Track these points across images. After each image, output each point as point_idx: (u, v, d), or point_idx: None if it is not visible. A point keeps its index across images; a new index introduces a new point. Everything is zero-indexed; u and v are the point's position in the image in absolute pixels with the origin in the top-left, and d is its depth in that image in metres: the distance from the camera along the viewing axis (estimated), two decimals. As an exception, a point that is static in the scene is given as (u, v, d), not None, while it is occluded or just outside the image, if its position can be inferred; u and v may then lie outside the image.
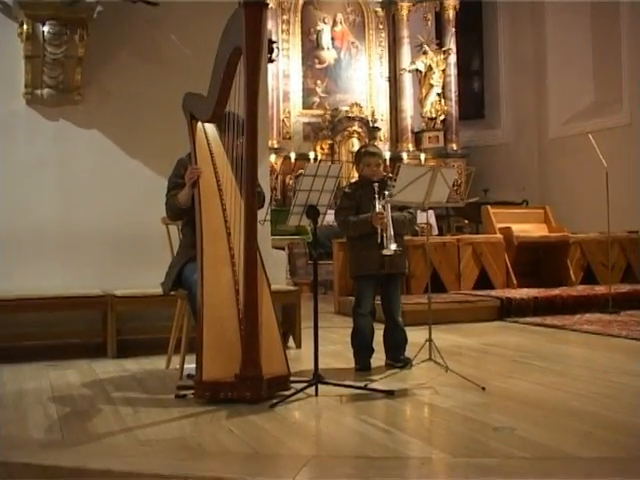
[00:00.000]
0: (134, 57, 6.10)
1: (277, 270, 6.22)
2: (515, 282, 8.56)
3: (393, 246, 4.41)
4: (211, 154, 4.52)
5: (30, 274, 5.69)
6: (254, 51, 3.82)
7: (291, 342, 5.70)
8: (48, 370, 4.93)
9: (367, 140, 14.85)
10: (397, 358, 4.79)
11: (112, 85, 6.07)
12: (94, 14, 5.66)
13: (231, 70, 4.12)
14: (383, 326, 4.89)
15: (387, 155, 14.62)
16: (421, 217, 6.48)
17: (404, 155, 15.32)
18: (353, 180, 5.09)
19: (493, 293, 7.96)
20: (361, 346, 4.81)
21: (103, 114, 6.04)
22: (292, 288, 6.02)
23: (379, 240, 4.51)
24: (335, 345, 5.65)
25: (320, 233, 4.44)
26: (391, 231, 4.46)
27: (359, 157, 4.90)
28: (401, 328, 4.83)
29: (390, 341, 4.86)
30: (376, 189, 4.60)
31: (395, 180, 4.40)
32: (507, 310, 7.48)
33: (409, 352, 4.79)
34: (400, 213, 4.74)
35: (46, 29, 5.60)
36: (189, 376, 4.30)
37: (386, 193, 4.60)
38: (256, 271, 3.90)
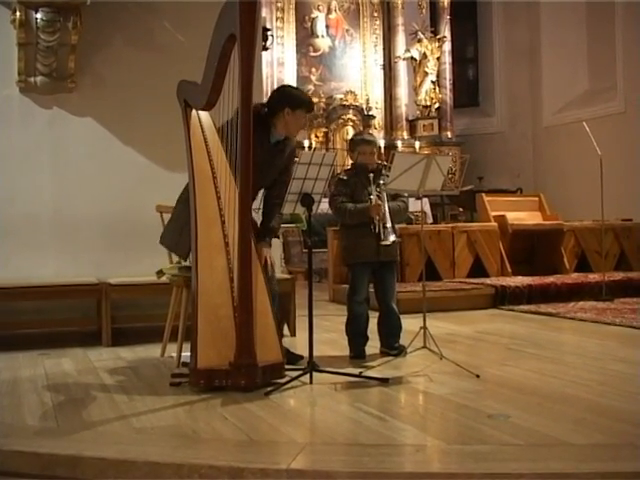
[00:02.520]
0: (128, 44, 6.07)
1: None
2: (509, 270, 8.55)
3: (392, 237, 4.43)
4: (205, 142, 4.52)
5: (24, 262, 5.68)
6: (248, 38, 3.81)
7: (286, 330, 5.64)
8: (43, 358, 4.93)
9: (362, 128, 14.85)
10: (392, 346, 4.80)
11: (106, 72, 6.05)
12: (88, 1, 5.61)
13: (225, 58, 4.10)
14: (377, 314, 4.89)
15: (382, 143, 14.61)
16: (416, 205, 6.47)
17: (399, 143, 15.31)
18: (347, 167, 5.08)
19: (487, 281, 7.95)
20: (356, 334, 4.82)
21: (97, 102, 6.02)
22: (287, 276, 6.02)
23: (375, 230, 4.53)
24: (329, 333, 5.66)
25: (315, 221, 4.53)
26: (389, 222, 4.49)
27: (354, 145, 4.89)
28: (396, 314, 4.84)
29: (385, 328, 4.86)
30: (371, 178, 4.61)
31: (390, 168, 4.39)
32: (501, 298, 7.47)
33: (403, 340, 4.79)
34: (394, 202, 4.75)
35: (39, 16, 5.56)
36: (184, 364, 4.32)
37: (381, 182, 4.61)
38: (250, 258, 3.92)
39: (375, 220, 4.56)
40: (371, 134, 5.31)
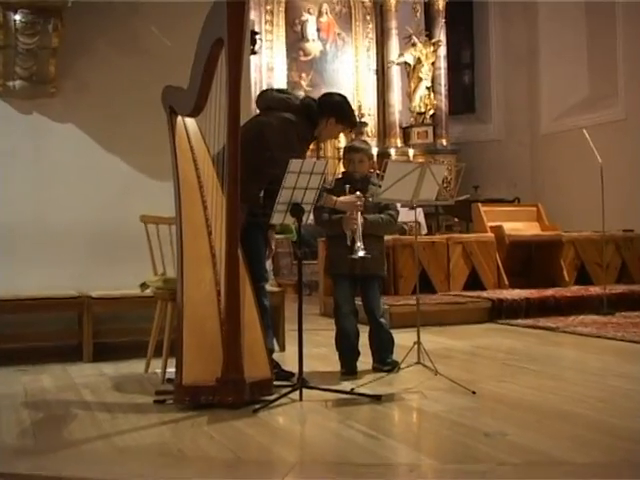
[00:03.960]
0: (112, 48, 6.06)
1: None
2: (507, 282, 8.57)
3: (361, 253, 4.42)
4: (191, 150, 4.56)
5: (2, 273, 5.64)
6: (236, 41, 3.84)
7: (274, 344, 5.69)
8: (21, 374, 4.90)
9: (354, 135, 14.84)
10: (384, 361, 4.80)
11: (89, 77, 6.03)
12: (69, 3, 5.61)
13: (212, 62, 4.12)
14: (368, 328, 4.89)
15: (374, 151, 14.63)
16: (409, 215, 6.50)
17: (392, 151, 15.30)
18: (338, 176, 5.13)
19: (484, 294, 7.97)
20: (346, 349, 4.82)
21: (80, 107, 6.00)
22: (276, 289, 6.02)
23: (349, 243, 4.55)
24: (320, 348, 5.66)
25: (305, 232, 4.45)
26: (359, 236, 4.46)
27: (344, 151, 4.98)
28: (385, 329, 4.85)
29: (376, 343, 4.87)
30: (347, 189, 4.62)
31: (382, 177, 4.40)
32: (498, 311, 7.48)
33: (397, 355, 4.80)
34: (376, 215, 4.77)
35: (18, 18, 5.54)
36: (169, 380, 4.32)
37: (368, 193, 4.63)
38: (238, 270, 3.92)
39: (347, 233, 4.59)
40: (364, 141, 5.35)
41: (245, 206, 4.26)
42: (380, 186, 4.49)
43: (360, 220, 4.52)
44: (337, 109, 4.68)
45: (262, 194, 4.61)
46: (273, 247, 4.75)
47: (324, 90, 15.41)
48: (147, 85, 5.47)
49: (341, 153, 5.06)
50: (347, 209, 4.58)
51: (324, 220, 4.74)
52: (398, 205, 4.90)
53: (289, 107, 4.61)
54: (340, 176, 5.04)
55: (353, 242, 4.49)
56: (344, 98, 4.79)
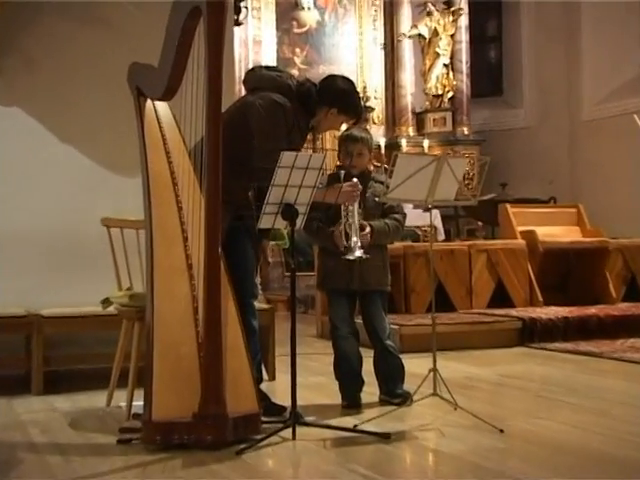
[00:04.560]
0: (65, 18, 5.98)
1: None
2: (540, 298, 8.53)
3: (358, 252, 4.40)
4: (163, 140, 4.54)
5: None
6: (217, 10, 3.81)
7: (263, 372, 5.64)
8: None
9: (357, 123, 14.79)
10: (393, 392, 4.78)
11: (37, 53, 5.99)
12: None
13: (188, 35, 4.10)
14: (373, 352, 4.90)
15: (382, 142, 14.66)
16: (424, 218, 6.50)
17: (403, 141, 15.17)
18: (330, 172, 5.09)
19: (513, 312, 7.93)
20: (347, 376, 4.81)
21: (26, 89, 5.97)
22: (264, 306, 6.01)
23: (343, 241, 4.50)
24: (317, 376, 5.63)
25: (299, 238, 4.44)
26: (356, 230, 4.45)
27: (340, 141, 4.93)
28: (394, 354, 4.85)
29: (382, 370, 4.86)
30: (341, 176, 4.54)
31: (391, 173, 4.37)
32: (530, 333, 7.45)
33: (408, 385, 4.78)
34: (381, 222, 4.76)
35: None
36: (136, 416, 4.28)
37: (367, 193, 4.63)
38: (219, 284, 3.89)
39: (337, 231, 4.59)
40: (365, 129, 5.34)
41: (230, 207, 4.24)
42: (385, 184, 4.49)
43: (357, 217, 4.47)
44: (341, 98, 4.67)
45: (251, 193, 4.62)
46: (269, 259, 4.67)
47: (322, 68, 15.50)
48: (109, 62, 5.49)
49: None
50: (340, 201, 4.52)
51: (312, 230, 4.72)
52: (409, 206, 4.90)
53: (280, 87, 4.59)
54: (334, 171, 4.97)
55: (347, 237, 4.46)
56: (350, 84, 4.79)
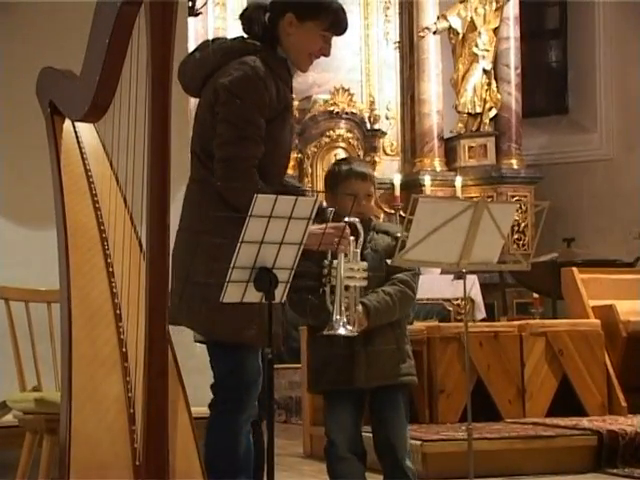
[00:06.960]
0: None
1: (203, 379, 5.37)
2: (624, 404, 7.79)
3: (342, 330, 3.95)
4: (88, 177, 4.26)
5: None
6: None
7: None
8: None
9: (362, 152, 13.56)
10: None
11: None
12: None
13: (123, 31, 3.80)
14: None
15: (397, 179, 13.35)
16: (456, 288, 6.04)
17: (426, 179, 13.58)
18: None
19: (584, 423, 7.20)
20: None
21: None
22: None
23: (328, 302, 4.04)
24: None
25: (281, 316, 4.10)
26: (340, 295, 3.98)
27: (336, 178, 4.37)
28: (410, 478, 4.35)
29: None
30: (329, 213, 4.05)
31: (409, 223, 4.02)
32: (610, 453, 6.69)
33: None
34: (379, 296, 4.24)
35: None
36: None
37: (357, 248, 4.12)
38: (166, 380, 3.45)
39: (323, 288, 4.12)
40: (364, 161, 4.87)
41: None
42: (401, 238, 4.09)
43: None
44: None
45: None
46: None
47: (312, 76, 14.18)
48: (15, 66, 5.37)
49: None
50: (322, 247, 3.99)
51: (300, 304, 4.33)
52: (436, 271, 4.45)
53: (230, 50, 4.07)
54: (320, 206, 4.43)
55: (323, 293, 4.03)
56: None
